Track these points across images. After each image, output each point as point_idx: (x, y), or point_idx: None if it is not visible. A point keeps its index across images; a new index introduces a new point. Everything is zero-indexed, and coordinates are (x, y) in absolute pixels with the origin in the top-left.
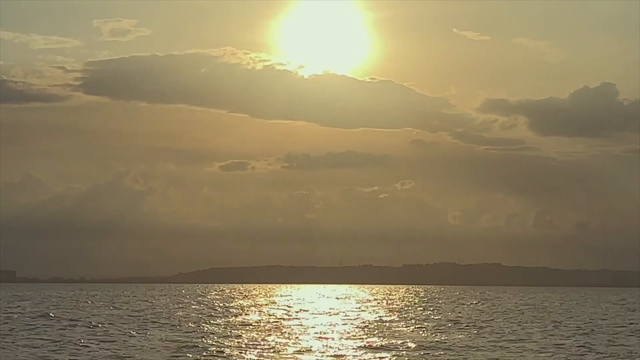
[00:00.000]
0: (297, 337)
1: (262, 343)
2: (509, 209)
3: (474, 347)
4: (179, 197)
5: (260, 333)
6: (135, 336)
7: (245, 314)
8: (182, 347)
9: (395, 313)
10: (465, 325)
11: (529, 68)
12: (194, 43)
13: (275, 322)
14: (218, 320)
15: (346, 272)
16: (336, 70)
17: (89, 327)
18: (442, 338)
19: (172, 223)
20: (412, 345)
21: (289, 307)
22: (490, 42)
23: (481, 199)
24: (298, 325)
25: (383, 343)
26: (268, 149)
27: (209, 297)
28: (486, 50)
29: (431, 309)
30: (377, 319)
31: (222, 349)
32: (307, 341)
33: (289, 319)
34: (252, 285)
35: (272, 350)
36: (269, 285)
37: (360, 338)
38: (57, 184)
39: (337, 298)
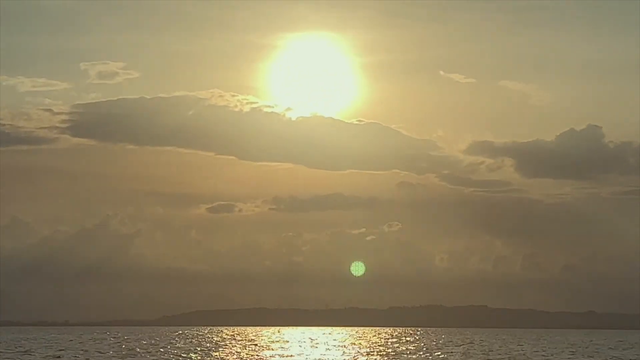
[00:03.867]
0: None
1: None
2: (496, 252)
3: None
4: (166, 240)
5: None
6: None
7: None
8: None
9: None
10: None
11: (515, 110)
12: (181, 85)
13: None
14: None
15: (332, 314)
16: (323, 113)
17: None
18: None
19: (159, 266)
20: None
21: None
22: (477, 84)
23: (468, 241)
24: None
25: None
26: (255, 191)
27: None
28: (472, 93)
29: None
30: None
31: None
32: None
33: None
34: (236, 328)
35: None
36: (256, 328)
37: None
38: (44, 227)
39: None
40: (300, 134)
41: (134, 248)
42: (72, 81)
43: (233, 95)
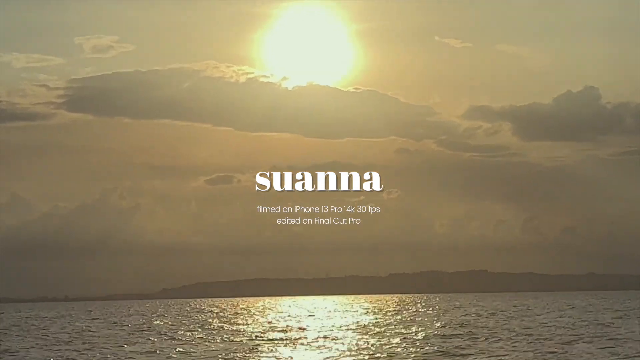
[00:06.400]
0: None
1: None
2: (496, 216)
3: None
4: (165, 213)
5: None
6: None
7: None
8: None
9: None
10: None
11: (511, 74)
12: (176, 58)
13: None
14: None
15: (332, 283)
16: (320, 81)
17: None
18: None
19: (158, 239)
20: None
21: None
22: (473, 48)
23: (468, 206)
24: None
25: None
26: (253, 161)
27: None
28: (469, 57)
29: None
30: None
31: None
32: None
33: None
34: (237, 299)
35: None
36: (256, 299)
37: None
38: (43, 203)
39: None
40: (296, 104)
41: (133, 222)
42: (66, 56)
43: (228, 66)
